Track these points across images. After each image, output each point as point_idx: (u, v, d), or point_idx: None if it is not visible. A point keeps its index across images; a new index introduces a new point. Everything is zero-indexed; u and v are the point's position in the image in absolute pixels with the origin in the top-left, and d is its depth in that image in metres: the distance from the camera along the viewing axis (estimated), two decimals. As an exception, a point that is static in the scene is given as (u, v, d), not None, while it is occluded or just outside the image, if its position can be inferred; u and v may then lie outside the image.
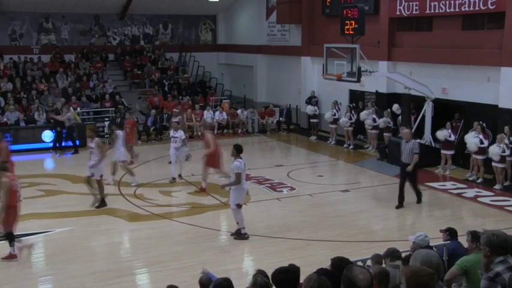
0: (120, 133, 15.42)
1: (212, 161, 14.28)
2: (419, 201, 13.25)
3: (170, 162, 15.73)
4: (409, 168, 12.71)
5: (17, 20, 26.26)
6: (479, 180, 15.19)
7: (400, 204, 12.97)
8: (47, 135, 20.19)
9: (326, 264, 5.58)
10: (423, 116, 17.23)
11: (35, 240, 11.16)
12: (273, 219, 12.37)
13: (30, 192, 14.49)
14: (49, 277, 9.56)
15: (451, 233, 7.83)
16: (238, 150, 10.89)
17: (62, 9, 26.14)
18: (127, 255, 10.68)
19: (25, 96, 22.89)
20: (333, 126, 21.00)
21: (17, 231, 10.57)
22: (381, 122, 18.71)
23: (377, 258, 6.73)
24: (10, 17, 25.96)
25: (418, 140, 14.77)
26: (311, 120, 22.59)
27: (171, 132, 15.56)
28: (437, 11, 17.42)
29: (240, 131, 23.35)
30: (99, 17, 27.86)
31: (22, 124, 20.78)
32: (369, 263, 6.94)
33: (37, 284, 9.28)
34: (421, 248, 6.31)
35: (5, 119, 20.71)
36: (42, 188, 14.90)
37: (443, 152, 16.31)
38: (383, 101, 19.67)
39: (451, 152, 16.21)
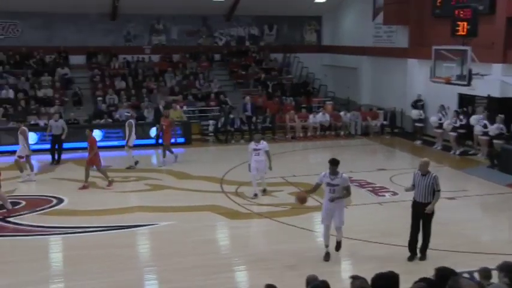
0: (25, 129, 16.17)
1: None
2: None
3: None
4: None
5: (132, 22, 27.64)
6: None
7: None
8: (154, 132, 21.03)
9: (428, 273, 5.37)
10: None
11: (141, 232, 11.67)
12: (373, 223, 12.09)
13: (137, 186, 15.22)
14: (153, 268, 9.93)
15: None
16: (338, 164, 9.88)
17: (172, 11, 27.17)
18: (226, 252, 10.87)
19: (135, 94, 24.06)
20: (439, 130, 20.20)
21: (124, 222, 11.11)
22: (493, 128, 17.72)
23: (485, 273, 6.26)
24: (126, 19, 27.35)
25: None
26: (416, 124, 21.89)
27: (253, 145, 13.99)
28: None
29: (342, 133, 23.08)
30: (207, 18, 28.65)
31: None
32: (476, 275, 6.57)
33: (143, 274, 9.66)
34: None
35: (117, 116, 21.86)
36: (149, 183, 15.54)
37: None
38: (495, 106, 18.62)
39: None
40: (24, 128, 16.27)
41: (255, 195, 13.94)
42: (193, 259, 10.08)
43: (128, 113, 19.54)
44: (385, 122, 23.43)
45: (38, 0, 24.53)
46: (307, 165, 18.37)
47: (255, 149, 13.85)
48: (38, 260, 10.13)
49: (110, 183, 15.14)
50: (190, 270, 9.57)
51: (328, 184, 9.75)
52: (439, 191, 9.76)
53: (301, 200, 10.33)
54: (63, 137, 17.96)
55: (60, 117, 20.13)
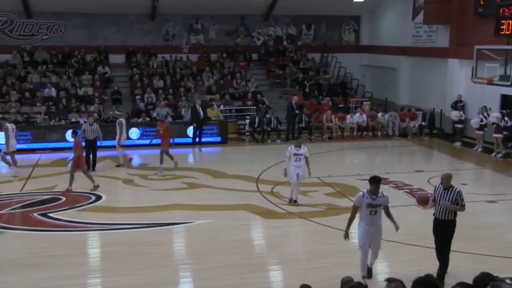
0: (10, 126, 16.17)
1: None
2: None
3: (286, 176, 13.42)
4: None
5: (171, 22, 27.91)
6: None
7: None
8: (191, 131, 21.19)
9: (467, 278, 5.25)
10: None
11: (177, 230, 11.79)
12: (410, 226, 11.90)
13: (174, 184, 15.37)
14: (188, 266, 10.01)
15: None
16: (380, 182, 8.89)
17: (210, 10, 27.33)
18: (261, 251, 10.88)
19: (173, 93, 24.31)
20: (480, 132, 19.78)
21: (160, 220, 11.24)
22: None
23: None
24: (165, 19, 27.64)
25: None
26: (456, 126, 21.49)
27: (293, 149, 13.03)
28: None
29: (379, 133, 22.83)
30: (245, 18, 28.73)
31: (169, 119, 22.00)
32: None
33: (178, 272, 9.76)
34: None
35: (154, 114, 22.13)
36: (185, 181, 15.67)
37: None
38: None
39: None
40: (7, 125, 16.37)
41: (295, 201, 13.24)
42: (227, 258, 10.12)
43: (119, 112, 19.59)
44: (423, 123, 23.07)
45: (81, 1, 25.08)
46: (343, 165, 18.25)
47: (295, 154, 12.96)
48: (77, 255, 10.34)
49: (95, 187, 14.59)
50: (225, 268, 9.62)
51: (369, 205, 8.68)
52: (463, 206, 8.85)
53: (423, 201, 9.33)
54: (99, 142, 17.08)
55: (99, 115, 20.52)
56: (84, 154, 15.79)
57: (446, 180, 8.92)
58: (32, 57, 25.81)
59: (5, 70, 24.64)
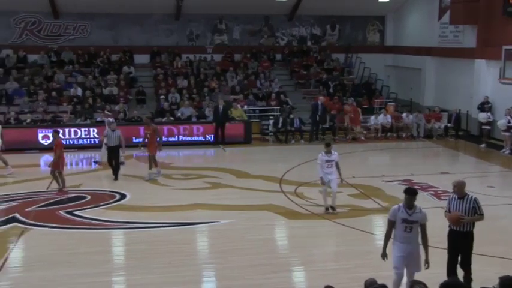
0: None
1: None
2: None
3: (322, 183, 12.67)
4: None
5: (194, 22, 28.03)
6: None
7: None
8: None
9: (493, 281, 5.18)
10: None
11: (200, 229, 11.83)
12: (435, 228, 11.73)
13: (198, 184, 15.43)
14: (211, 265, 10.04)
15: None
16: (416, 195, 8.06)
17: (234, 10, 27.38)
18: (285, 252, 10.87)
19: (197, 93, 24.42)
20: (507, 134, 19.49)
21: (184, 219, 11.28)
22: None
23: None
24: (189, 19, 27.77)
25: None
26: (483, 127, 21.19)
27: (324, 156, 12.38)
28: None
29: (404, 135, 22.63)
30: (269, 18, 28.71)
31: (194, 119, 22.12)
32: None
33: (201, 270, 9.79)
34: None
35: (179, 114, 22.25)
36: (208, 181, 15.72)
37: None
38: None
39: None
40: None
41: (332, 209, 12.63)
42: (251, 258, 10.12)
43: (108, 112, 19.63)
44: (449, 125, 22.80)
45: (106, 2, 25.35)
46: (367, 167, 18.12)
47: (327, 161, 12.32)
48: (102, 253, 10.45)
49: (60, 190, 14.37)
50: (248, 268, 9.62)
51: (405, 221, 7.83)
52: (482, 214, 8.26)
53: (455, 221, 8.37)
54: (120, 153, 16.10)
55: (124, 115, 20.71)
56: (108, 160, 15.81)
57: (459, 188, 8.37)
58: (58, 57, 26.16)
59: (33, 70, 25.05)
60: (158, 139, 16.29)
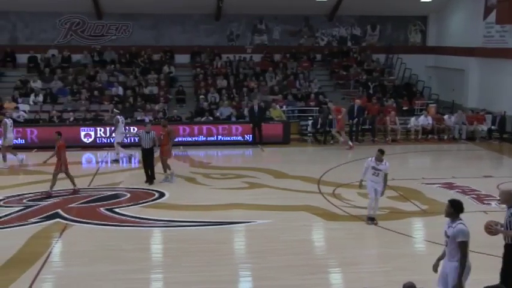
0: (6, 121, 16.76)
1: None
2: None
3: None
4: None
5: (235, 22, 28.16)
6: None
7: None
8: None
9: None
10: None
11: (238, 229, 11.87)
12: (476, 233, 11.47)
13: (236, 184, 15.47)
14: (248, 265, 10.05)
15: None
16: (458, 208, 7.46)
17: (274, 11, 27.38)
18: (322, 253, 10.81)
19: (237, 93, 24.52)
20: (554, 137, 18.93)
21: (222, 218, 11.34)
22: None
23: None
24: (229, 19, 27.92)
25: None
26: (528, 130, 20.64)
27: (372, 162, 11.72)
28: None
29: (446, 137, 22.22)
30: (309, 19, 28.60)
31: (233, 119, 22.21)
32: None
33: (237, 270, 9.81)
34: None
35: (217, 114, 22.39)
36: (246, 181, 15.76)
37: None
38: None
39: None
40: (5, 120, 17.28)
41: (373, 220, 12.00)
42: (288, 258, 10.10)
43: (117, 110, 19.79)
44: (493, 127, 22.27)
45: (148, 2, 25.71)
46: (406, 169, 17.85)
47: (374, 168, 11.66)
48: (141, 250, 10.58)
49: (47, 193, 13.94)
50: (285, 269, 9.60)
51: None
52: None
53: (484, 227, 8.13)
54: (155, 153, 15.28)
55: (164, 114, 20.87)
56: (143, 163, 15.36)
57: (508, 198, 7.85)
58: (101, 57, 26.66)
59: (77, 69, 25.64)
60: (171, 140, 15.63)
